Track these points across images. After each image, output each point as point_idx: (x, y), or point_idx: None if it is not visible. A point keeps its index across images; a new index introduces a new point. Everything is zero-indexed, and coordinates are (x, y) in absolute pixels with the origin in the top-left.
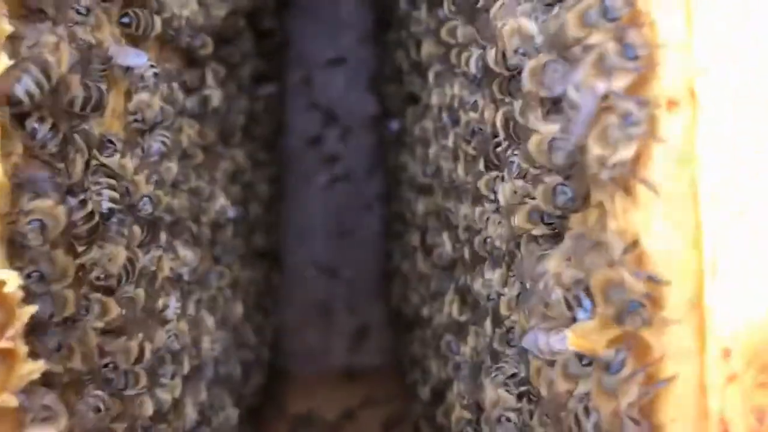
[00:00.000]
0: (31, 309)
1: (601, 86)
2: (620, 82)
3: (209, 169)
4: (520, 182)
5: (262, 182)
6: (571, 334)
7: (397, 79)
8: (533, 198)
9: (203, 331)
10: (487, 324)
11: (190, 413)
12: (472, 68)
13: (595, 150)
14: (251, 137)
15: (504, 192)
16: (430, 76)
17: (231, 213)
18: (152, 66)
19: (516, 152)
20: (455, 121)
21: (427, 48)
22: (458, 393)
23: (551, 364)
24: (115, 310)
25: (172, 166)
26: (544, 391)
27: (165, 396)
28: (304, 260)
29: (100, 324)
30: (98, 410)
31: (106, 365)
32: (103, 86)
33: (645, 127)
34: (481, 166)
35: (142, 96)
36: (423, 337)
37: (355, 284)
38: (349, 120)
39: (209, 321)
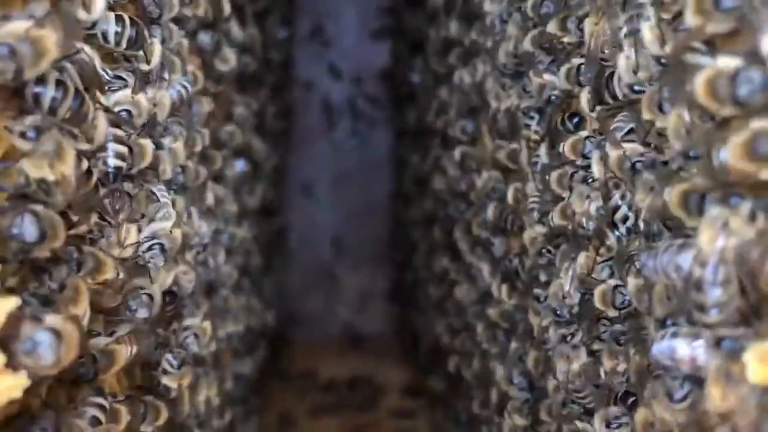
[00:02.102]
0: (11, 302)
1: None
2: None
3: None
4: (632, 146)
5: (271, 134)
6: (756, 362)
7: (420, 23)
8: (679, 169)
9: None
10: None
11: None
12: None
13: None
14: (263, 85)
15: (607, 160)
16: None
17: (240, 166)
18: None
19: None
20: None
21: None
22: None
23: (695, 379)
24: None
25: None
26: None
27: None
28: (309, 221)
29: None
30: (98, 422)
31: None
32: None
33: None
34: (559, 124)
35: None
36: (447, 314)
37: (361, 248)
38: (359, 73)
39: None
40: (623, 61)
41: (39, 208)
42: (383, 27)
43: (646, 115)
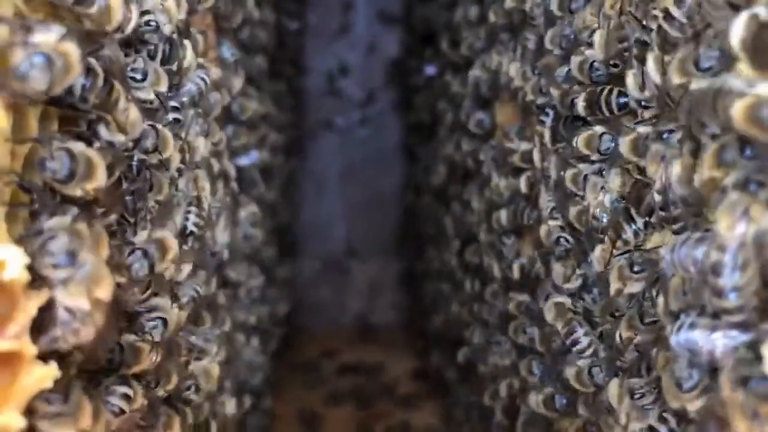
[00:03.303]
0: (41, 297)
1: None
2: None
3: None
4: (645, 129)
5: (282, 127)
6: None
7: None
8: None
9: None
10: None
11: None
12: None
13: None
14: (275, 76)
15: (623, 146)
16: None
17: (253, 158)
18: None
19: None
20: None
21: None
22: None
23: (713, 370)
24: None
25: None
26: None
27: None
28: (320, 213)
29: None
30: (121, 411)
31: None
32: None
33: None
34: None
35: None
36: (458, 304)
37: (371, 240)
38: (370, 63)
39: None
40: (630, 79)
41: (66, 228)
42: (394, 14)
43: (676, 80)
